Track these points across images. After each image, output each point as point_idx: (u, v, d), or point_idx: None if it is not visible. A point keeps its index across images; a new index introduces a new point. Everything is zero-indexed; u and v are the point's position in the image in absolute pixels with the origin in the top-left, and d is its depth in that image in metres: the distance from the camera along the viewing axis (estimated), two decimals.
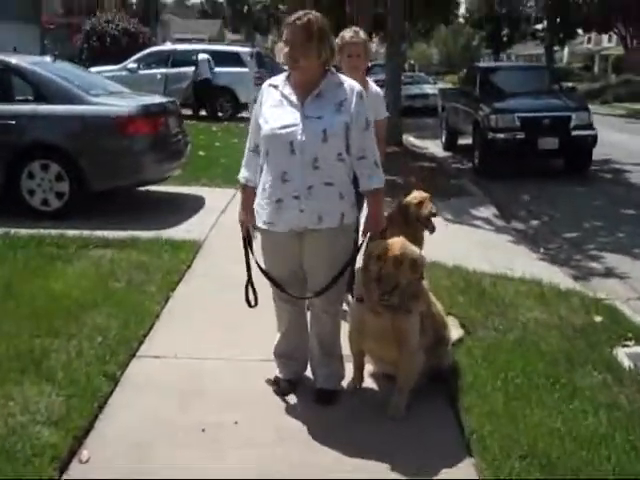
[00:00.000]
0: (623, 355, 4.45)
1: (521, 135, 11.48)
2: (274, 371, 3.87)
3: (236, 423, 3.46)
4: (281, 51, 3.45)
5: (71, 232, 6.44)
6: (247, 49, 20.02)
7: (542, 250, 7.59)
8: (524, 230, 8.62)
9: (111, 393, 3.68)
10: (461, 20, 50.17)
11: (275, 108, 3.39)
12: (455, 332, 4.28)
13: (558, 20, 41.26)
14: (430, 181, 10.12)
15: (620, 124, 21.35)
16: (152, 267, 5.60)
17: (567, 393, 3.79)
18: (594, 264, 7.19)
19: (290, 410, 3.64)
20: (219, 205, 8.16)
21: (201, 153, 11.54)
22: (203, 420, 3.46)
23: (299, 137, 3.32)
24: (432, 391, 3.77)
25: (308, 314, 3.79)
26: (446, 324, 3.89)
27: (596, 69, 53.28)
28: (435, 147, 16.01)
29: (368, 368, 3.95)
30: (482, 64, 15.74)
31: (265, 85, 3.51)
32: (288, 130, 3.33)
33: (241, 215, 3.64)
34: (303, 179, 3.34)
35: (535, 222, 9.04)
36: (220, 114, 18.67)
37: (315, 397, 3.70)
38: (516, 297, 5.31)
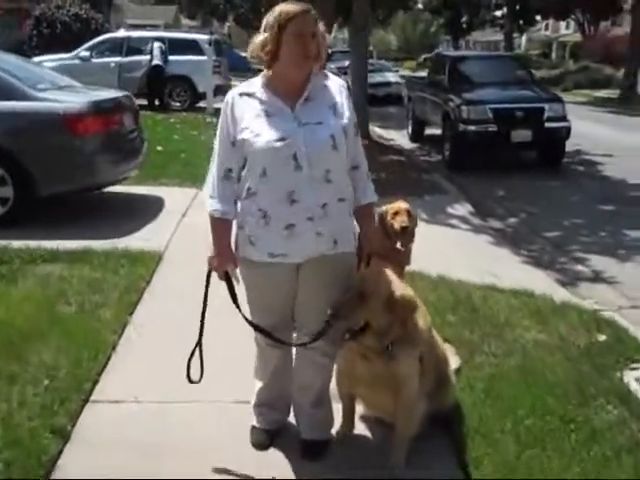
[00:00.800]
0: (631, 379, 4.07)
1: (493, 127, 11.09)
2: (250, 415, 3.34)
3: None
4: (260, 45, 2.81)
5: (16, 243, 5.80)
6: (205, 36, 19.19)
7: (524, 252, 7.20)
8: (502, 229, 8.24)
9: (60, 454, 3.11)
10: (420, 6, 49.74)
11: (261, 119, 2.82)
12: (452, 361, 3.80)
13: (517, 7, 41.09)
14: (402, 177, 9.71)
15: (583, 112, 21.14)
16: (107, 285, 5.01)
17: (585, 435, 3.36)
18: (580, 267, 6.82)
19: (272, 465, 3.12)
20: (179, 207, 7.57)
21: (159, 148, 10.89)
22: None
23: (303, 148, 2.78)
24: (434, 437, 3.29)
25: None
26: (447, 360, 3.41)
27: (554, 56, 53.49)
28: (401, 138, 15.55)
29: (358, 409, 3.44)
30: (451, 53, 15.28)
31: (234, 95, 2.88)
32: (288, 142, 2.78)
33: (217, 257, 2.98)
34: (315, 196, 2.81)
35: (513, 220, 8.66)
36: (177, 104, 17.93)
37: (301, 450, 3.19)
38: (511, 314, 4.86)
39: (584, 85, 33.14)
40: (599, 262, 6.94)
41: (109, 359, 3.96)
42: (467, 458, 3.16)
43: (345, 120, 2.89)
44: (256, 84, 2.89)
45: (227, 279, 3.03)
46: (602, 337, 4.56)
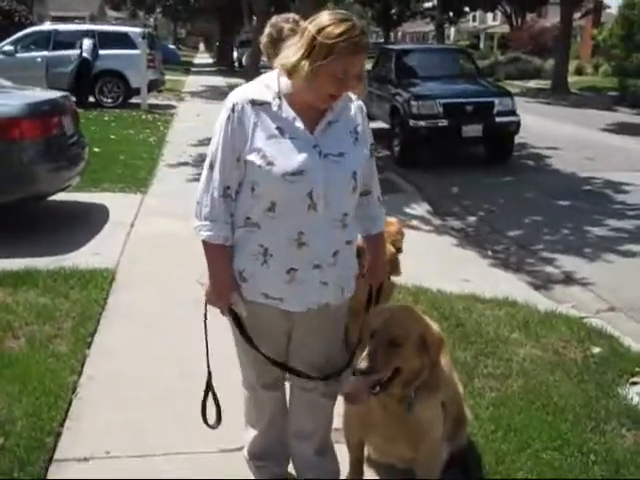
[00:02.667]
0: (634, 395, 3.85)
1: (444, 122, 10.86)
2: (241, 465, 2.94)
3: None
4: (293, 64, 2.29)
5: None
6: (138, 29, 18.46)
7: (490, 253, 6.99)
8: (464, 229, 8.02)
9: None
10: None
11: (276, 141, 2.36)
12: None
13: None
14: None
15: (520, 104, 21.22)
16: (58, 313, 4.48)
17: (608, 469, 3.09)
18: (550, 268, 6.63)
19: None
20: (126, 216, 7.07)
21: (96, 149, 10.24)
22: None
23: (322, 186, 2.37)
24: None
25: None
26: (462, 395, 3.08)
27: (482, 47, 54.25)
28: None
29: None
30: (397, 46, 14.96)
31: (242, 101, 2.37)
32: (306, 176, 2.35)
33: (217, 291, 2.50)
34: (327, 243, 2.43)
35: (472, 219, 8.44)
36: (109, 101, 17.16)
37: None
38: (499, 328, 4.59)
39: (515, 76, 33.58)
40: (567, 262, 6.78)
41: (70, 405, 3.47)
42: None
43: (367, 149, 2.53)
44: (269, 90, 2.40)
45: (233, 315, 2.57)
46: (596, 349, 4.34)
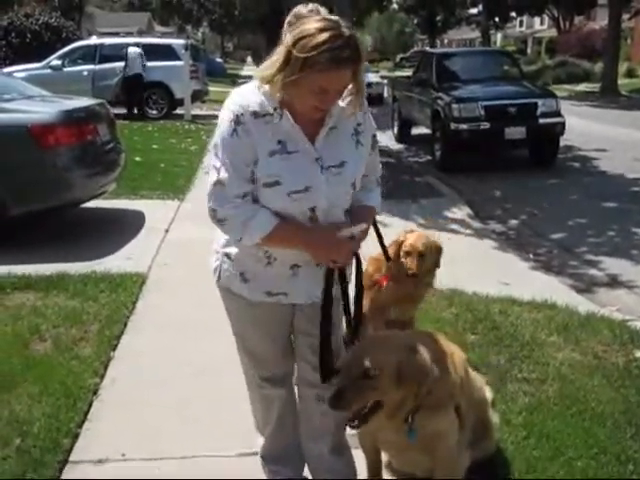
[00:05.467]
0: None
1: (486, 125, 10.64)
2: (259, 470, 2.84)
3: None
4: (271, 74, 2.17)
5: None
6: (181, 41, 18.66)
7: (532, 256, 6.77)
8: (505, 232, 7.80)
9: None
10: (395, 6, 49.43)
11: (280, 157, 2.25)
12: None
13: (493, 4, 40.90)
14: (394, 180, 9.26)
15: (567, 107, 20.75)
16: (86, 316, 4.47)
17: None
18: (594, 271, 6.39)
19: None
20: (162, 222, 7.07)
21: (137, 159, 10.39)
22: None
23: (324, 201, 2.30)
24: None
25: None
26: (487, 400, 2.92)
27: (529, 52, 53.46)
28: (387, 139, 15.09)
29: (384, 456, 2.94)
30: (437, 50, 14.73)
31: (245, 113, 2.22)
32: (309, 193, 2.27)
33: (328, 244, 2.29)
34: None
35: (514, 222, 8.22)
36: (154, 112, 17.38)
37: None
38: (536, 331, 4.40)
39: (563, 80, 32.99)
40: (613, 265, 6.52)
41: (90, 407, 3.43)
42: None
43: (369, 148, 2.44)
44: (270, 99, 2.24)
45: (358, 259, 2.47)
46: (639, 353, 4.12)
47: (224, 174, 2.24)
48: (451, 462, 2.52)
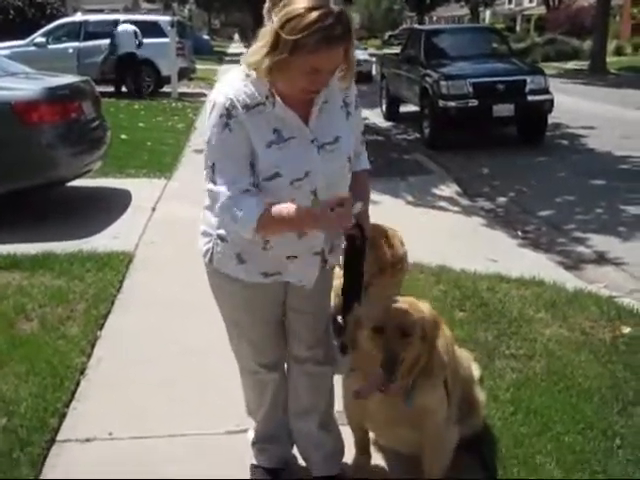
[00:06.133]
0: None
1: (474, 102, 10.60)
2: (247, 448, 2.83)
3: None
4: (259, 59, 2.09)
5: None
6: (167, 18, 18.45)
7: (520, 234, 6.77)
8: (493, 209, 7.81)
9: None
10: None
11: (277, 147, 2.19)
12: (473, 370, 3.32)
13: None
14: (382, 158, 9.22)
15: (556, 85, 20.70)
16: (72, 295, 4.43)
17: (634, 454, 2.91)
18: (582, 248, 6.41)
19: None
20: (149, 201, 7.02)
21: (123, 137, 10.29)
22: None
23: (323, 181, 2.26)
24: (463, 464, 2.78)
25: None
26: (473, 376, 2.92)
27: (518, 29, 53.22)
28: (375, 117, 15.02)
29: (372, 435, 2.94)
30: (425, 26, 14.57)
31: (236, 106, 2.13)
32: (310, 177, 2.23)
33: (327, 218, 2.12)
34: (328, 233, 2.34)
35: (502, 199, 8.22)
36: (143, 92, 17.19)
37: None
38: (524, 307, 4.41)
39: (552, 57, 32.87)
40: (601, 242, 6.54)
41: (77, 386, 3.41)
42: None
43: (359, 116, 2.42)
44: (259, 86, 2.16)
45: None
46: (627, 329, 4.13)
47: (219, 172, 2.18)
48: (439, 438, 2.52)
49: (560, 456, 2.86)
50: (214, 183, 2.20)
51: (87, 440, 3.00)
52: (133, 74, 16.63)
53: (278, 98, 2.17)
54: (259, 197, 2.17)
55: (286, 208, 2.14)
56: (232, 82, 2.21)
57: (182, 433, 3.04)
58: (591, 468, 2.80)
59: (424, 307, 2.40)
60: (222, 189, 2.17)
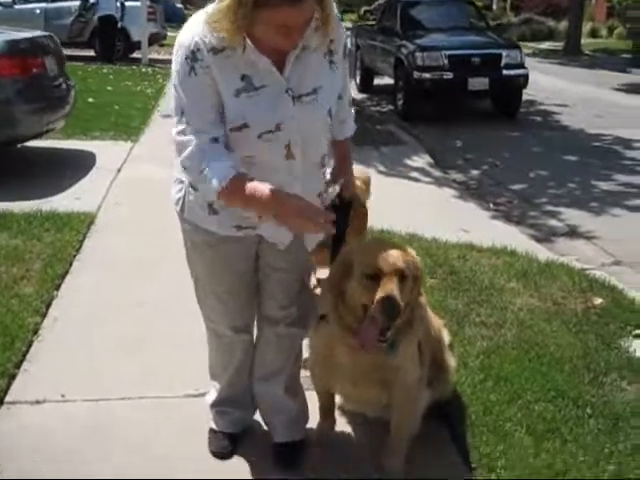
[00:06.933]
0: (638, 347, 3.58)
1: (449, 75, 10.46)
2: (204, 411, 2.70)
3: None
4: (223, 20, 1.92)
5: None
6: None
7: (492, 206, 6.69)
8: (465, 181, 7.71)
9: None
10: None
11: (245, 96, 2.03)
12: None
13: None
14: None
15: (531, 64, 20.58)
16: (29, 255, 4.25)
17: (606, 423, 2.84)
18: (554, 222, 6.34)
19: (239, 477, 2.50)
20: (113, 163, 6.81)
21: (90, 100, 10.00)
22: None
23: (297, 136, 2.11)
24: (431, 431, 2.69)
25: None
26: (443, 340, 2.82)
27: (495, 7, 53.03)
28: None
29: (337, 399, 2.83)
30: None
31: (202, 48, 1.98)
32: (282, 131, 2.07)
33: (299, 210, 2.04)
34: (309, 191, 2.19)
35: (475, 172, 8.12)
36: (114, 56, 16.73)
37: (275, 455, 2.57)
38: (495, 276, 4.32)
39: (528, 37, 32.76)
40: (573, 216, 6.48)
41: (29, 347, 3.24)
42: (475, 456, 2.59)
43: (342, 62, 2.24)
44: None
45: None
46: (598, 300, 4.07)
47: (186, 118, 2.03)
48: (410, 399, 2.42)
49: (530, 424, 2.78)
50: (181, 130, 2.05)
51: (37, 402, 2.85)
52: (108, 38, 16.14)
53: (249, 41, 2.00)
54: (232, 158, 2.04)
55: (262, 188, 2.01)
56: (199, 23, 2.03)
57: (139, 396, 2.91)
58: (562, 437, 2.72)
59: (410, 250, 2.29)
60: (189, 138, 2.03)
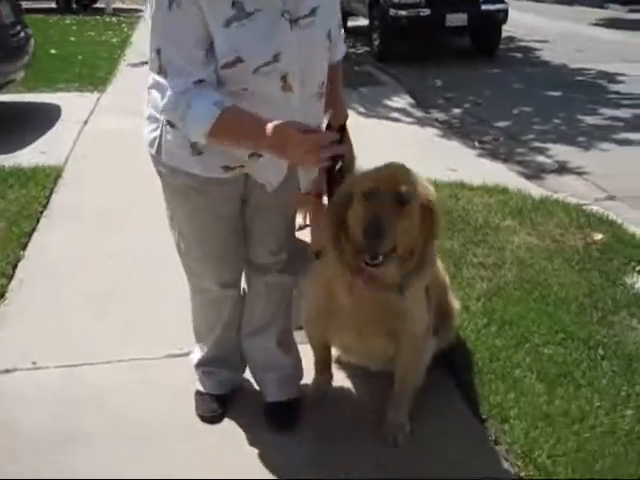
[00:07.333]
0: None
1: (426, 11, 10.07)
2: (190, 373, 2.48)
3: None
4: None
5: None
6: None
7: (477, 144, 6.45)
8: (448, 120, 7.44)
9: None
10: None
11: (237, 25, 1.76)
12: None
13: None
14: None
15: (509, 1, 20.41)
16: None
17: (620, 364, 2.67)
18: (542, 158, 6.12)
19: (230, 442, 2.29)
20: (80, 115, 6.48)
21: (53, 51, 9.56)
22: None
23: (295, 66, 1.86)
24: (436, 380, 2.49)
25: None
26: (447, 283, 2.60)
27: None
28: None
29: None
30: None
31: None
32: (279, 62, 1.81)
33: (285, 140, 1.77)
34: (300, 121, 1.90)
35: (457, 110, 7.85)
36: (73, 5, 16.06)
37: (268, 416, 2.36)
38: (489, 214, 4.11)
39: None
40: (561, 151, 6.26)
41: None
42: (485, 407, 2.40)
43: None
44: None
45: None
46: (598, 236, 3.88)
47: (165, 57, 1.77)
48: (417, 350, 2.22)
49: (540, 369, 2.60)
50: (159, 71, 1.79)
51: (7, 371, 2.61)
52: None
53: None
54: (218, 94, 1.78)
55: (256, 121, 1.77)
56: None
57: (116, 359, 2.67)
58: (575, 381, 2.54)
59: (424, 180, 2.04)
60: (169, 81, 1.77)
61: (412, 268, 1.99)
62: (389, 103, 7.79)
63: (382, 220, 1.83)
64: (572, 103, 7.99)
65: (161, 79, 1.79)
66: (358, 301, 2.06)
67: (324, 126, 2.16)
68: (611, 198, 5.08)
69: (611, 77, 9.36)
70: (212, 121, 1.74)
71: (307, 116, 1.94)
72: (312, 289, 2.26)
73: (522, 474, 2.13)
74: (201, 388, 2.43)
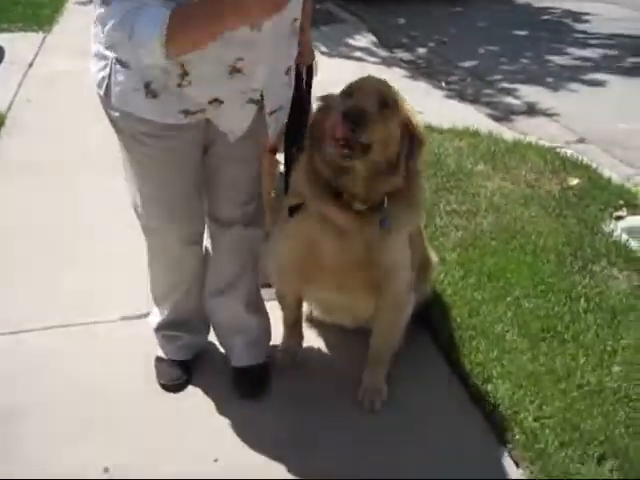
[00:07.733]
0: (620, 230, 3.29)
1: None
2: (148, 334, 2.28)
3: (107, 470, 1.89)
4: None
5: None
6: None
7: (444, 85, 6.24)
8: (413, 61, 7.18)
9: None
10: None
11: None
12: None
13: None
14: None
15: None
16: None
17: (604, 317, 2.54)
18: (510, 99, 5.94)
19: (194, 413, 2.11)
20: (24, 57, 6.03)
21: None
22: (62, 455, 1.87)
23: None
24: (412, 340, 2.33)
25: None
26: (423, 232, 2.41)
27: None
28: None
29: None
30: None
31: None
32: None
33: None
34: (273, 69, 1.76)
35: (422, 50, 7.58)
36: None
37: (236, 383, 2.18)
38: (461, 159, 3.93)
39: None
40: (530, 92, 6.08)
41: None
42: (467, 366, 2.26)
43: None
44: None
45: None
46: (574, 181, 3.74)
47: None
48: (399, 306, 2.06)
49: (522, 324, 2.46)
50: (104, 2, 1.56)
51: None
52: None
53: None
54: (167, 5, 1.53)
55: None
56: None
57: (65, 323, 2.44)
58: (559, 335, 2.42)
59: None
60: (114, 5, 1.55)
61: (395, 199, 1.84)
62: (352, 42, 7.48)
63: (361, 109, 1.73)
64: (539, 43, 7.78)
65: (106, 8, 1.56)
66: (339, 243, 1.87)
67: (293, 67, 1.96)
68: (582, 141, 4.94)
69: (577, 16, 9.17)
70: (165, 20, 1.50)
71: (278, 57, 1.76)
72: (284, 240, 2.05)
73: (507, 437, 2.00)
74: (162, 354, 2.23)
